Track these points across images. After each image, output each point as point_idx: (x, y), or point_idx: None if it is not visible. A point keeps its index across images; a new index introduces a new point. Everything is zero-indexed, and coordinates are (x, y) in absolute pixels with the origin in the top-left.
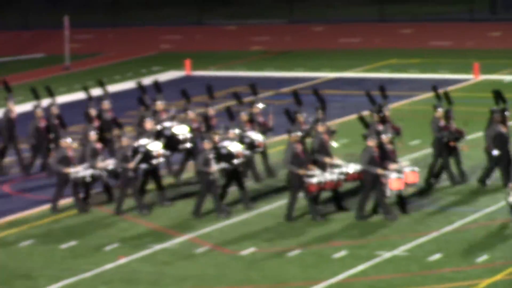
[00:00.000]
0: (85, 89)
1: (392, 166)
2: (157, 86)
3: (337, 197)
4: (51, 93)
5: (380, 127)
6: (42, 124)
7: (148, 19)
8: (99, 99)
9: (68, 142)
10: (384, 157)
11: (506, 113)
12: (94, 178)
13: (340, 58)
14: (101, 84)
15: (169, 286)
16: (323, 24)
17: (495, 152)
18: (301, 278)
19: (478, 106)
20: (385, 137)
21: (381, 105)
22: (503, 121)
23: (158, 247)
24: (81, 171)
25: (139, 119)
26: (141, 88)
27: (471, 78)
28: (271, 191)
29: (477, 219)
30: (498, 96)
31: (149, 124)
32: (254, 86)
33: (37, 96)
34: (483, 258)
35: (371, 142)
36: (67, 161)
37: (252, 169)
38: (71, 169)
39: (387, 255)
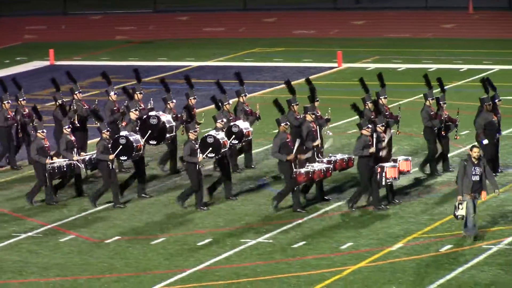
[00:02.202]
0: None
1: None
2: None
3: (321, 187)
4: (19, 87)
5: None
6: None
7: (13, 10)
8: None
9: (44, 133)
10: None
11: (497, 101)
12: (72, 169)
13: (204, 47)
14: None
15: (34, 274)
16: (188, 14)
17: (485, 141)
18: (165, 266)
19: (341, 94)
20: (380, 126)
21: (377, 93)
22: (493, 109)
23: (23, 235)
24: (57, 161)
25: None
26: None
27: (335, 66)
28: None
29: (341, 207)
30: (488, 84)
31: (132, 115)
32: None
33: None
34: (347, 245)
35: (366, 131)
36: (44, 151)
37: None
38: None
39: (251, 242)
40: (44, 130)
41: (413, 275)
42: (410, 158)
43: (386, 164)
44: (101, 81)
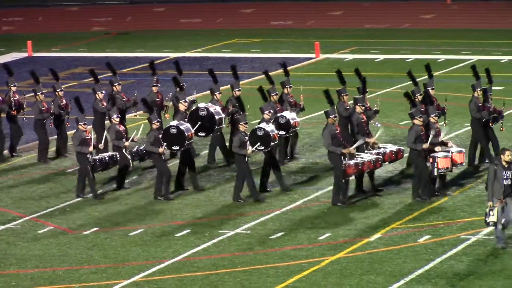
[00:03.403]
0: None
1: (438, 147)
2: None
3: (372, 178)
4: (56, 77)
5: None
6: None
7: None
8: None
9: (85, 126)
10: (429, 136)
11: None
12: (114, 160)
13: (181, 39)
14: None
15: (12, 266)
16: (164, 5)
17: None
18: (143, 258)
19: (319, 85)
20: (433, 116)
21: (425, 84)
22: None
23: (1, 227)
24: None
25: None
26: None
27: (313, 57)
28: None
29: (319, 197)
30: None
31: (181, 106)
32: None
33: None
34: (326, 235)
35: (418, 121)
36: (87, 143)
37: (282, 149)
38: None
39: (229, 233)
40: (85, 122)
41: (391, 265)
42: (463, 150)
43: (438, 154)
44: (80, 72)
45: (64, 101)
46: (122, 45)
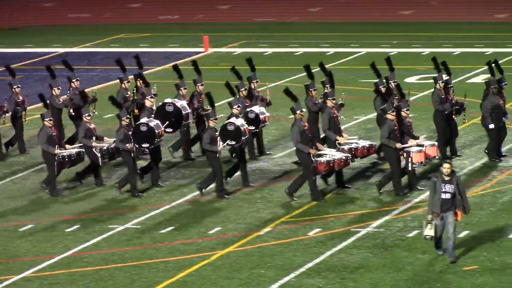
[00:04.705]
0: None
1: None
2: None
3: (340, 175)
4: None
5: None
6: None
7: None
8: None
9: (51, 122)
10: (403, 131)
11: (503, 84)
12: (81, 157)
13: (69, 34)
14: None
15: None
16: (53, 0)
17: (491, 126)
18: (34, 253)
19: (209, 79)
20: (404, 110)
21: (387, 78)
22: (499, 92)
23: None
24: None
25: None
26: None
27: (201, 51)
28: None
29: (208, 191)
30: (496, 66)
31: (147, 102)
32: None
33: None
34: (215, 230)
35: (390, 115)
36: (53, 140)
37: (252, 145)
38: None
39: (119, 228)
40: (51, 118)
41: (281, 259)
42: (436, 143)
43: (412, 149)
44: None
45: (21, 98)
46: (11, 41)
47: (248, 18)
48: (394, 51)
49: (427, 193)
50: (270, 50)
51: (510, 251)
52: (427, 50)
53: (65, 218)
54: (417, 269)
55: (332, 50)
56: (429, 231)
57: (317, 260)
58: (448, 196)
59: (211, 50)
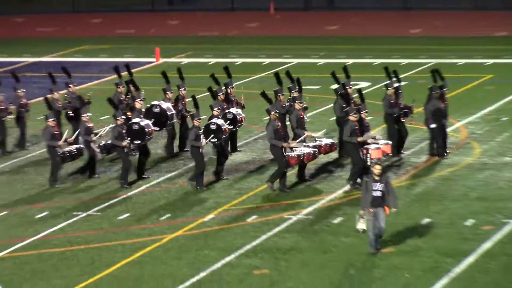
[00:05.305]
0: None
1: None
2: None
3: (303, 169)
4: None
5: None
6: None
7: None
8: None
9: (54, 122)
10: (363, 130)
11: (444, 90)
12: (81, 152)
13: (38, 45)
14: None
15: None
16: (23, 16)
17: (433, 125)
18: (7, 237)
19: (160, 86)
20: (364, 113)
21: (344, 84)
22: (441, 97)
23: None
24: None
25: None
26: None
27: (153, 61)
28: None
29: (160, 183)
30: (437, 74)
31: (137, 104)
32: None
33: None
34: (166, 216)
35: (353, 117)
36: (55, 138)
37: (232, 142)
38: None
39: (83, 215)
40: (55, 119)
41: (223, 242)
42: (390, 142)
43: (371, 146)
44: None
45: (24, 101)
46: None
47: (194, 32)
48: (320, 61)
49: (348, 186)
50: (213, 60)
51: (421, 235)
52: (350, 61)
53: (36, 206)
54: (341, 251)
55: (267, 61)
56: (361, 225)
57: (254, 243)
58: (378, 194)
59: (162, 60)
